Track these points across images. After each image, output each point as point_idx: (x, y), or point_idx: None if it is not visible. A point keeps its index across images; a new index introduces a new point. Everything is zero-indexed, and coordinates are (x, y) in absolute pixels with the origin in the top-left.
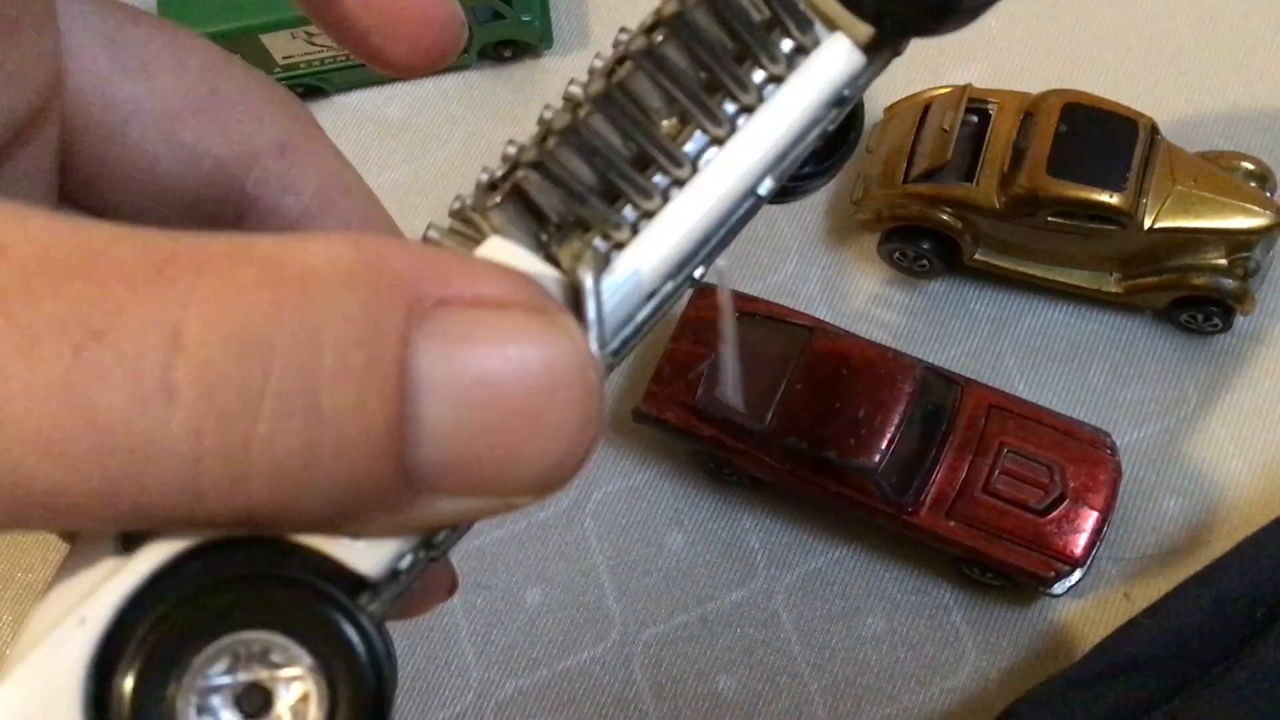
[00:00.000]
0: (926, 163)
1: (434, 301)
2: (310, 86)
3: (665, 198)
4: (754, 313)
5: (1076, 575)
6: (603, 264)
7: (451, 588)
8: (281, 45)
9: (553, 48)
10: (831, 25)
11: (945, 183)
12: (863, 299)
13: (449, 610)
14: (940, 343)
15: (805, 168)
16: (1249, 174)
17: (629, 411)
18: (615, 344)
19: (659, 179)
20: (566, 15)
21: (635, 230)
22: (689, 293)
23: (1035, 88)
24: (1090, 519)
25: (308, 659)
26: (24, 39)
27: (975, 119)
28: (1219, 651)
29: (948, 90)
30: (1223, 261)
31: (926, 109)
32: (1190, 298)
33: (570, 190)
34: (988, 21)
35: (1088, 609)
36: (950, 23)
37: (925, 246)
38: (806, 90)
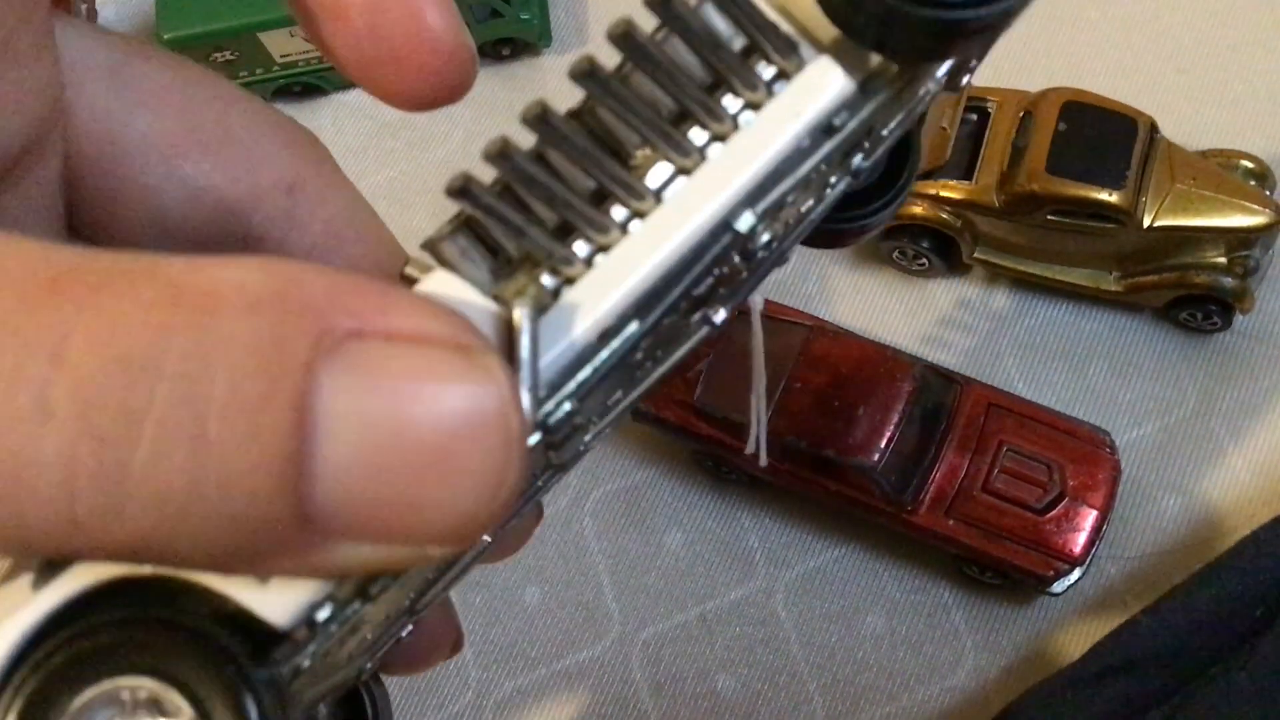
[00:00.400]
0: (925, 161)
1: (346, 333)
2: (309, 85)
3: (625, 231)
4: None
5: (1076, 574)
6: (545, 300)
7: (456, 644)
8: (280, 44)
9: (551, 46)
10: (829, 52)
11: (944, 181)
12: (862, 298)
13: None
14: (939, 341)
15: (855, 210)
16: (1248, 172)
17: None
18: (571, 387)
19: (619, 212)
20: (565, 13)
21: (590, 266)
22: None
23: (1034, 86)
24: (1090, 518)
25: (189, 710)
26: (20, 66)
27: (974, 117)
28: (1218, 650)
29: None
30: (1222, 260)
31: None
32: (1190, 296)
33: (508, 222)
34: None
35: (1087, 608)
36: (960, 45)
37: (924, 245)
38: (783, 118)
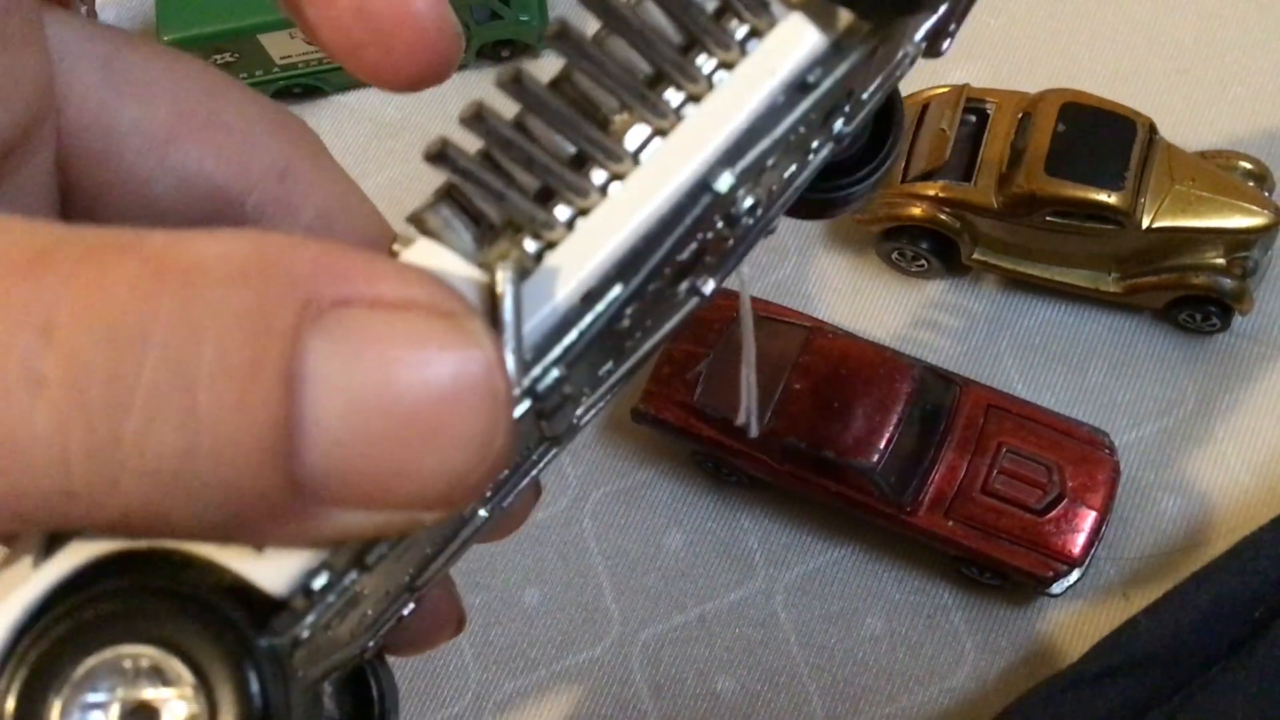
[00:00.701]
0: (925, 163)
1: (331, 301)
2: (308, 86)
3: (605, 194)
4: (752, 313)
5: (1075, 575)
6: (528, 265)
7: (459, 624)
8: (279, 45)
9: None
10: (800, 9)
11: (943, 182)
12: (861, 299)
13: None
14: (938, 342)
15: (839, 178)
16: (1247, 173)
17: (628, 411)
18: (557, 351)
19: (598, 175)
20: (565, 15)
21: (571, 229)
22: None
23: (1033, 87)
24: (1089, 519)
25: (190, 678)
26: (8, 55)
27: (973, 119)
28: (1218, 651)
29: (945, 90)
30: (1221, 261)
31: (924, 109)
32: (1189, 297)
33: (486, 186)
34: (986, 20)
35: (1086, 609)
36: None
37: (924, 246)
38: (757, 75)
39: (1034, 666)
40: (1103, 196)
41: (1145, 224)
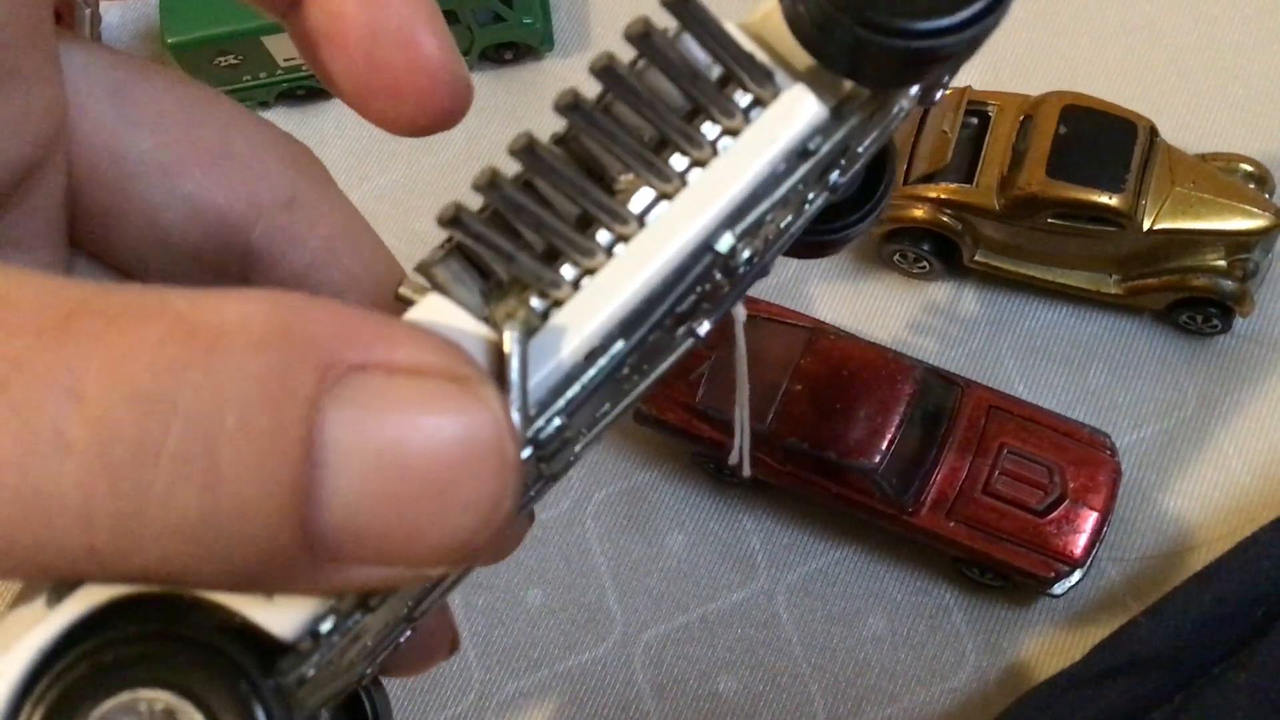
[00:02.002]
0: (926, 165)
1: (349, 366)
2: (312, 89)
3: (610, 254)
4: (754, 314)
5: (1076, 576)
6: (534, 323)
7: (452, 646)
8: (283, 47)
9: (554, 50)
10: (803, 80)
11: (945, 184)
12: (863, 300)
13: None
14: (940, 344)
15: (835, 220)
16: (1248, 175)
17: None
18: (560, 404)
19: (604, 236)
20: (567, 18)
21: (577, 288)
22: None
23: (1035, 90)
24: (1090, 519)
25: None
26: (24, 88)
27: (975, 121)
28: (1219, 652)
29: (947, 92)
30: (1222, 263)
31: (926, 111)
32: (1190, 299)
33: (498, 249)
34: None
35: (1088, 609)
36: (928, 72)
37: (925, 248)
38: (760, 144)
39: (1035, 667)
40: (1104, 198)
41: (1146, 226)
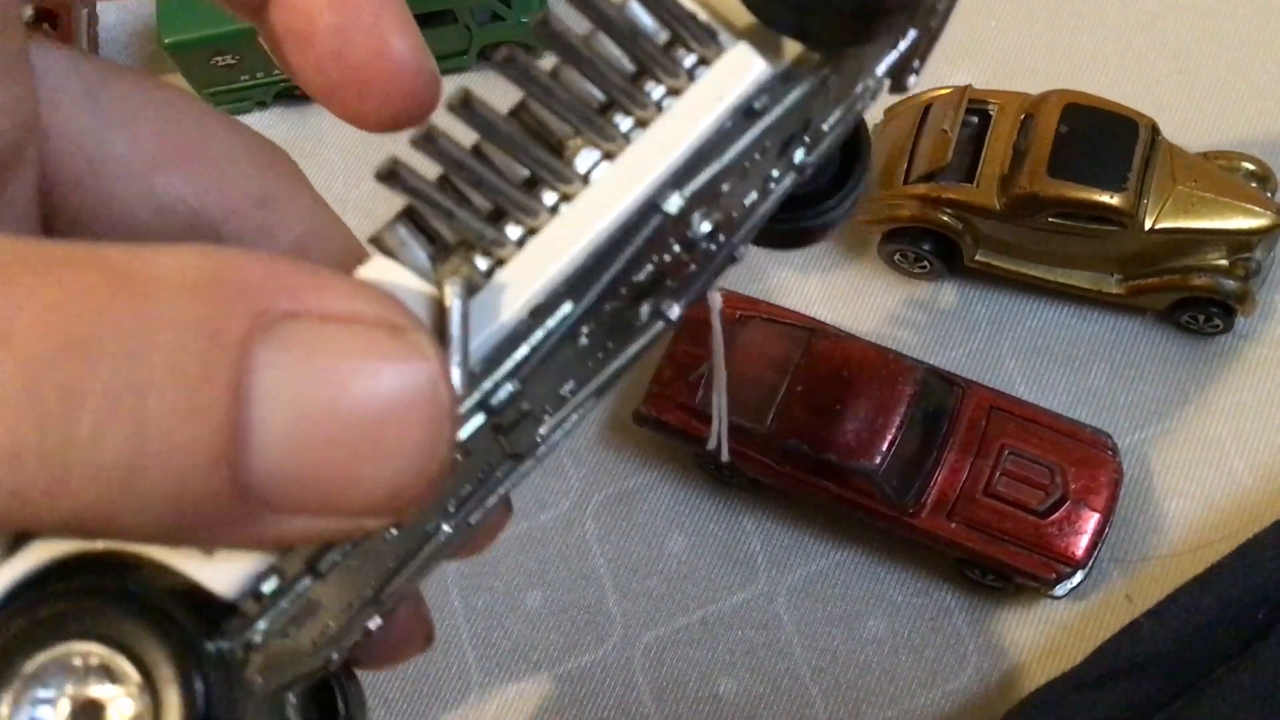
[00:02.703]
0: (927, 164)
1: (281, 313)
2: None
3: (555, 214)
4: (754, 314)
5: (1078, 577)
6: (477, 280)
7: (427, 638)
8: None
9: None
10: (746, 39)
11: (945, 184)
12: (863, 301)
13: (450, 613)
14: (941, 344)
15: (808, 209)
16: (1250, 174)
17: (629, 414)
18: (508, 366)
19: (549, 196)
20: (565, 17)
21: (521, 247)
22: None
23: (1035, 88)
24: (1091, 520)
25: (136, 677)
26: None
27: (975, 120)
28: (1221, 653)
29: (948, 91)
30: (1224, 262)
31: (926, 110)
32: (1191, 298)
33: (435, 204)
34: (988, 22)
35: (1089, 611)
36: (880, 26)
37: (926, 248)
38: (704, 101)
39: (1037, 669)
40: (1105, 198)
41: (1148, 225)
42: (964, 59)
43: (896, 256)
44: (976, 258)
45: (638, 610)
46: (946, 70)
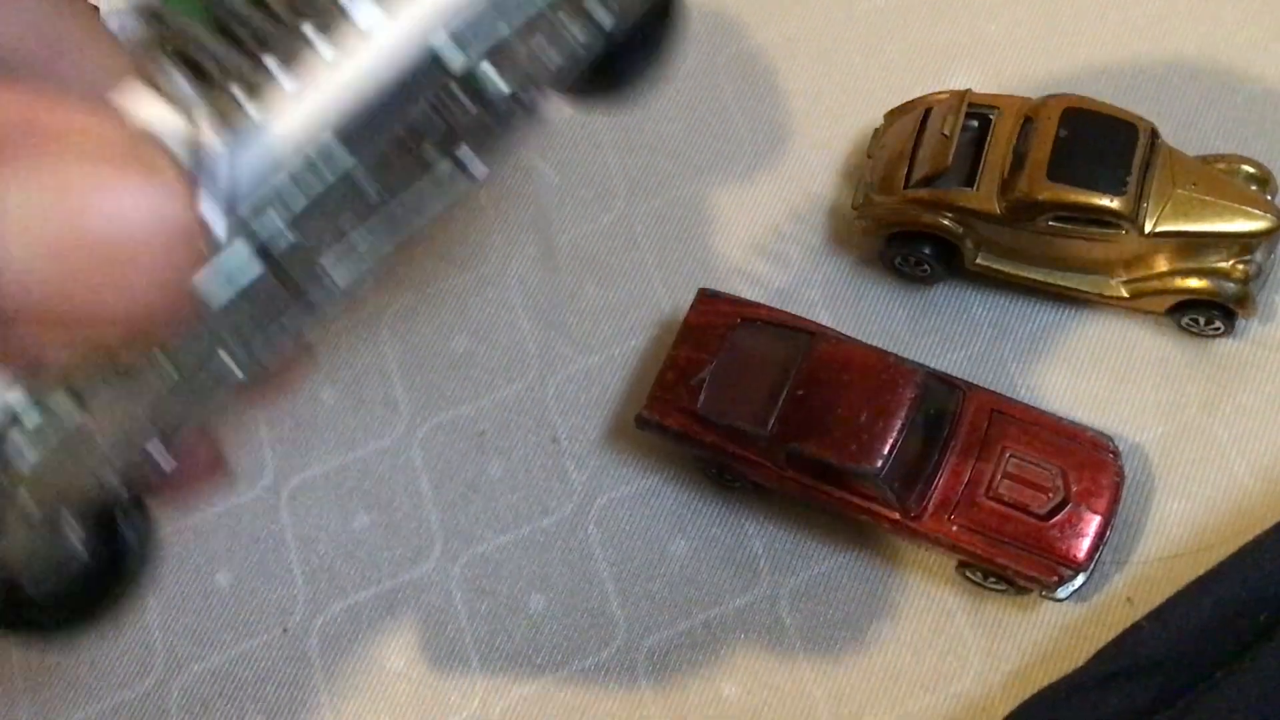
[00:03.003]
0: (927, 168)
1: (28, 144)
2: None
3: (316, 50)
4: (755, 318)
5: (1080, 579)
6: (235, 114)
7: (221, 472)
8: None
9: None
10: None
11: (946, 188)
12: (864, 304)
13: (453, 616)
14: (942, 348)
15: (618, 61)
16: (1250, 177)
17: (631, 418)
18: (271, 196)
19: (310, 29)
20: None
21: (282, 83)
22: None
23: (1036, 92)
24: (1093, 523)
25: None
26: None
27: (975, 124)
28: (1222, 656)
29: (948, 95)
30: (1224, 265)
31: (927, 114)
32: (1192, 301)
33: (189, 34)
34: (988, 26)
35: (1091, 613)
36: None
37: (926, 252)
38: None
39: (1039, 671)
40: (1105, 201)
41: (1148, 228)
42: (964, 63)
43: (897, 260)
44: (977, 261)
45: (640, 614)
46: (946, 74)
